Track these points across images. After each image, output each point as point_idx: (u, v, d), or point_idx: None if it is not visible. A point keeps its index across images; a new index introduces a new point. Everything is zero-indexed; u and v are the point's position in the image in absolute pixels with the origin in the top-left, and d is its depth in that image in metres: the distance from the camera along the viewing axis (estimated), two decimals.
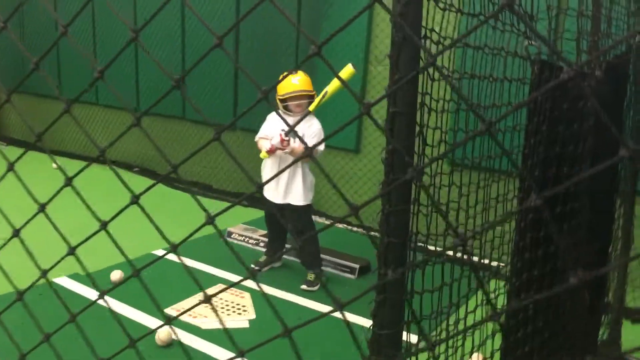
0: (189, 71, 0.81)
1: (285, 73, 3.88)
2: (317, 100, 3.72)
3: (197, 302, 0.88)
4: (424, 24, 1.02)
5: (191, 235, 0.89)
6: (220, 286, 3.88)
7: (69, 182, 0.96)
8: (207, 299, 0.85)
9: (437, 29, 1.13)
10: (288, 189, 3.98)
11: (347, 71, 3.54)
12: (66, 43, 7.45)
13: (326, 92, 3.64)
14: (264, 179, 4.09)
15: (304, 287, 4.00)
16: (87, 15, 7.21)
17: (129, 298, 3.50)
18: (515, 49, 1.52)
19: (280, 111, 3.99)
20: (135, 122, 0.86)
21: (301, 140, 0.70)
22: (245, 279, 0.86)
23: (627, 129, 2.75)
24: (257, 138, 4.03)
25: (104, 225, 0.95)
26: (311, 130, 3.85)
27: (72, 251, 1.01)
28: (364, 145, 5.44)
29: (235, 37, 6.01)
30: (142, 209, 0.94)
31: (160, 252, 4.40)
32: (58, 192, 1.00)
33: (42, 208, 1.03)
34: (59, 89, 7.71)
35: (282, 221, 4.20)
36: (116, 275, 3.82)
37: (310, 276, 4.04)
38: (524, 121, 1.58)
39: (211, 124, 0.75)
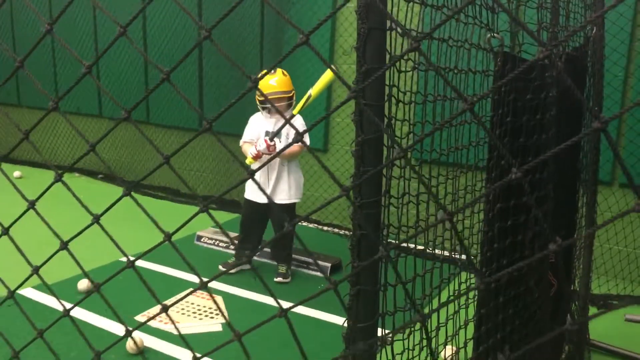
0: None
1: (264, 71, 3.84)
2: (301, 102, 3.68)
3: (170, 310, 0.86)
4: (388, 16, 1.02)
5: (151, 250, 0.88)
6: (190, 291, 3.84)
7: (31, 205, 0.94)
8: (165, 310, 0.83)
9: (402, 21, 1.14)
10: (275, 188, 3.95)
11: (328, 76, 3.54)
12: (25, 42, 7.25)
13: (310, 95, 3.61)
14: (250, 181, 4.05)
15: (278, 279, 4.05)
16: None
17: (98, 307, 3.42)
18: (478, 41, 1.54)
19: (260, 113, 3.97)
20: (89, 148, 0.83)
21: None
22: (212, 279, 0.85)
23: (586, 119, 2.83)
24: (241, 142, 3.99)
25: (64, 245, 0.94)
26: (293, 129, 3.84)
27: (35, 271, 0.99)
28: (332, 144, 5.46)
29: (199, 33, 5.94)
30: (102, 227, 0.93)
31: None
32: (20, 216, 0.98)
33: (5, 231, 1.00)
34: (20, 95, 7.52)
35: (265, 218, 4.16)
36: (83, 284, 3.73)
37: (282, 268, 4.11)
38: (488, 113, 1.60)
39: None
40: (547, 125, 1.78)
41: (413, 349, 1.46)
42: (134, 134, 6.71)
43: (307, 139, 3.96)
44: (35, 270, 0.92)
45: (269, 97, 3.80)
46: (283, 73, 3.87)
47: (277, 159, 3.89)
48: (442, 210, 0.53)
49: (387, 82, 1.01)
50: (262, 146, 3.76)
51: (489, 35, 1.49)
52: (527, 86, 1.62)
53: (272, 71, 3.89)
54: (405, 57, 1.18)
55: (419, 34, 1.35)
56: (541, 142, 1.76)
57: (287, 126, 3.83)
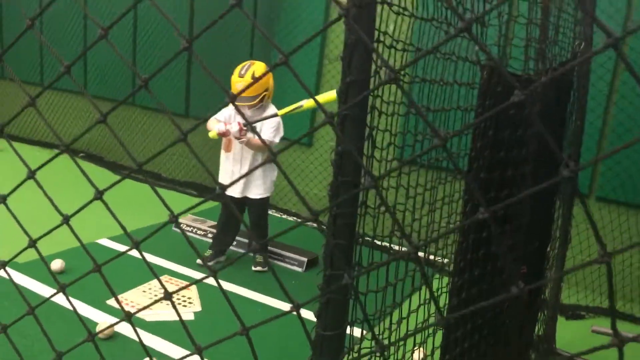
0: (167, 64, 0.78)
1: (240, 66, 3.80)
2: (289, 107, 3.57)
3: (143, 295, 0.86)
4: (377, 26, 1.02)
5: (154, 233, 0.86)
6: (167, 277, 3.82)
7: (32, 174, 0.91)
8: (169, 296, 0.83)
9: (390, 31, 1.14)
10: (247, 183, 3.94)
11: (329, 96, 3.45)
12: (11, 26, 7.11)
13: (301, 106, 3.52)
14: (222, 173, 4.02)
15: (257, 268, 4.09)
16: None
17: (72, 290, 3.39)
18: (465, 53, 1.55)
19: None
20: (101, 118, 0.81)
21: (257, 135, 0.69)
22: (205, 277, 0.84)
23: (569, 133, 2.86)
24: (212, 118, 3.92)
25: (66, 220, 0.92)
26: (269, 122, 3.81)
27: (32, 244, 0.97)
28: (317, 139, 5.46)
29: (190, 20, 5.87)
30: (106, 204, 0.91)
31: (104, 242, 4.28)
32: (21, 184, 0.95)
33: (2, 200, 0.97)
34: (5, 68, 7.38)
35: (237, 215, 4.16)
36: (57, 264, 3.69)
37: (259, 258, 4.15)
38: (471, 124, 1.61)
39: (177, 126, 0.72)
40: (529, 139, 1.80)
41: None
42: (117, 115, 6.63)
43: (278, 137, 3.93)
44: (32, 243, 0.90)
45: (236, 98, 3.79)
46: (253, 75, 3.76)
47: (247, 153, 3.87)
48: (408, 242, 0.53)
49: (371, 94, 1.02)
50: (234, 128, 3.69)
51: (476, 47, 1.50)
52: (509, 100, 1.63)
53: (243, 72, 3.82)
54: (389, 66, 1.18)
55: (407, 46, 1.36)
56: (521, 157, 1.78)
57: (263, 120, 3.78)
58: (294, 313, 0.69)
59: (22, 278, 3.57)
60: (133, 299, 3.42)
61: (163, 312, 3.33)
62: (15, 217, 0.86)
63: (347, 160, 0.95)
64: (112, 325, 0.88)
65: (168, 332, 3.12)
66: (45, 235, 0.85)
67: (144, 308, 0.82)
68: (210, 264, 4.19)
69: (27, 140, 6.99)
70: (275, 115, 3.63)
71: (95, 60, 6.64)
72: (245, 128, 3.69)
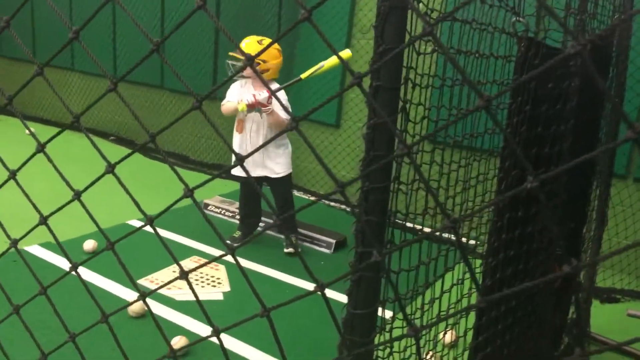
0: (170, 34, 0.76)
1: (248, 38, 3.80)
2: (311, 70, 3.56)
3: (173, 276, 0.84)
4: None
5: (169, 208, 0.85)
6: (196, 258, 3.85)
7: (41, 148, 0.91)
8: (184, 275, 0.81)
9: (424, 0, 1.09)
10: (265, 162, 3.93)
11: (345, 54, 3.47)
12: (42, 6, 7.19)
13: (322, 65, 3.52)
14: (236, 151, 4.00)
15: (289, 249, 4.06)
16: None
17: (103, 268, 3.45)
18: (502, 24, 1.48)
19: (238, 82, 3.92)
20: (111, 87, 0.80)
21: (285, 109, 0.66)
22: (223, 255, 0.82)
23: (608, 110, 2.76)
24: (224, 102, 3.90)
25: (77, 195, 0.90)
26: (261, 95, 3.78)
27: (43, 221, 0.96)
28: (345, 120, 5.40)
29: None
30: (118, 178, 0.89)
31: (135, 222, 4.33)
32: (30, 158, 0.95)
33: (12, 175, 0.97)
34: (33, 53, 7.48)
35: (262, 194, 4.15)
36: (89, 244, 3.75)
37: (290, 239, 4.17)
38: (506, 100, 1.55)
39: (191, 91, 0.70)
40: (567, 115, 1.73)
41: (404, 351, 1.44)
42: (146, 99, 6.68)
43: (287, 116, 3.90)
44: (44, 220, 0.89)
45: (232, 61, 3.80)
46: (258, 42, 3.80)
47: (267, 131, 3.85)
48: (445, 217, 0.50)
49: (404, 64, 0.97)
50: (262, 95, 3.65)
51: (514, 19, 1.43)
52: (549, 75, 1.57)
53: (252, 36, 3.85)
54: (425, 39, 1.14)
55: (441, 14, 1.30)
56: (559, 133, 1.72)
57: (273, 98, 3.74)
58: (319, 293, 0.66)
59: (56, 258, 3.64)
60: (163, 278, 3.46)
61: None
62: (25, 194, 0.85)
63: (380, 133, 0.91)
64: (130, 304, 0.87)
65: (198, 311, 3.15)
66: (56, 211, 0.84)
67: (161, 287, 0.81)
68: (237, 245, 4.22)
69: (59, 124, 7.10)
70: (299, 80, 3.58)
71: (124, 46, 6.68)
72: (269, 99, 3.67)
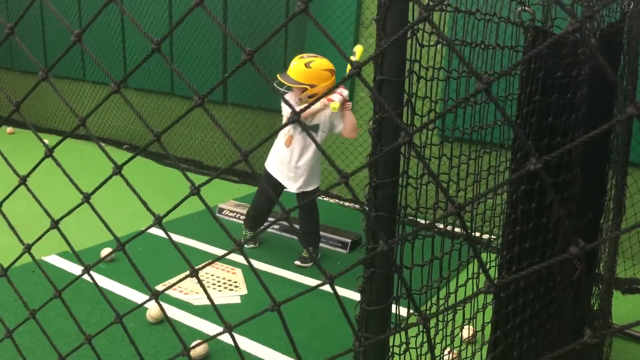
0: (172, 30, 0.76)
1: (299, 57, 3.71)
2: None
3: (185, 277, 0.84)
4: None
5: (176, 206, 0.85)
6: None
7: (49, 153, 0.91)
8: (194, 272, 0.82)
9: None
10: (306, 180, 3.87)
11: (358, 48, 3.45)
12: (52, 19, 7.28)
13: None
14: (273, 161, 3.94)
15: (297, 262, 3.98)
16: None
17: (121, 276, 3.48)
18: (507, 15, 1.47)
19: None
20: (115, 88, 0.80)
21: (290, 106, 0.66)
22: (232, 251, 0.82)
23: (620, 99, 2.72)
24: (288, 114, 3.84)
25: (86, 198, 0.91)
26: (329, 110, 3.71)
27: (55, 225, 0.97)
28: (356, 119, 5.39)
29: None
30: (125, 179, 0.90)
31: (151, 230, 4.36)
32: (39, 163, 0.95)
33: (22, 181, 0.98)
34: (45, 65, 7.58)
35: (278, 202, 4.13)
36: (106, 252, 3.79)
37: (305, 253, 4.01)
38: (516, 91, 1.54)
39: (192, 88, 0.70)
40: (578, 104, 1.71)
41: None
42: (157, 106, 6.73)
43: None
44: (55, 224, 0.90)
45: (281, 81, 3.68)
46: (305, 65, 3.65)
47: (307, 143, 3.82)
48: (450, 202, 0.49)
49: (408, 57, 0.97)
50: (345, 92, 3.62)
51: (519, 8, 1.42)
52: (558, 63, 1.55)
53: (302, 55, 3.75)
54: (429, 31, 1.13)
55: (445, 7, 1.29)
56: (570, 123, 1.69)
57: (324, 119, 3.70)
58: (333, 292, 0.66)
59: (74, 267, 3.68)
60: (180, 283, 3.48)
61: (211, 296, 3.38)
62: (36, 199, 0.86)
63: (386, 128, 0.91)
64: (141, 305, 0.87)
65: (215, 316, 3.16)
66: (67, 214, 0.84)
67: (172, 286, 0.81)
68: (252, 245, 4.21)
69: (73, 135, 7.18)
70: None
71: (134, 55, 6.74)
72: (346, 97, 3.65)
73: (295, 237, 4.38)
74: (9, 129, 7.35)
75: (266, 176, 3.96)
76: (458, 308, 1.60)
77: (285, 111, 3.89)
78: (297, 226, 4.11)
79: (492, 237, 2.01)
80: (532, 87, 1.51)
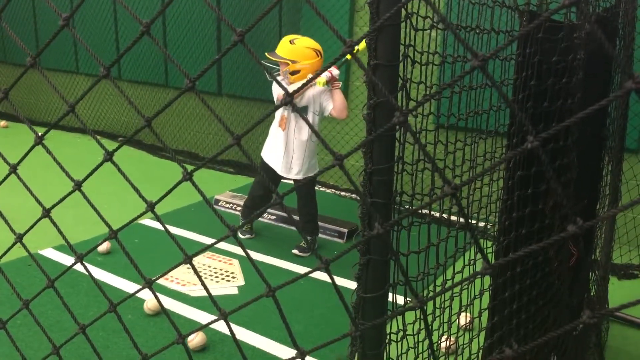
0: (161, 11, 0.74)
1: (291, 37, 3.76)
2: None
3: (179, 264, 0.83)
4: None
5: (169, 192, 0.83)
6: (209, 254, 3.86)
7: (39, 140, 0.90)
8: (188, 260, 0.81)
9: None
10: (304, 165, 3.86)
11: (361, 45, 3.46)
12: (43, 9, 7.21)
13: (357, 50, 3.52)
14: (269, 147, 3.94)
15: (295, 251, 3.98)
16: None
17: (118, 268, 3.47)
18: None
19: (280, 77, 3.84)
20: (104, 72, 0.78)
21: (283, 88, 0.64)
22: (226, 236, 0.81)
23: (615, 84, 2.71)
24: (279, 95, 3.82)
25: (78, 186, 0.90)
26: (316, 89, 3.75)
27: (46, 214, 0.96)
28: (351, 108, 5.37)
29: None
30: (117, 165, 0.88)
31: (148, 222, 4.34)
32: (29, 150, 0.94)
33: (13, 169, 0.96)
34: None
35: (275, 191, 4.12)
36: (103, 245, 3.77)
37: (303, 242, 4.01)
38: (511, 76, 1.53)
39: (183, 71, 0.69)
40: (573, 89, 1.70)
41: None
42: (151, 97, 6.69)
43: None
44: (47, 212, 0.89)
45: (269, 59, 3.75)
46: (290, 41, 3.75)
47: (307, 135, 3.81)
48: (446, 183, 0.48)
49: (402, 42, 0.95)
50: (336, 71, 3.64)
51: None
52: (553, 48, 1.54)
53: (291, 35, 3.81)
54: (423, 15, 1.12)
55: None
56: (566, 108, 1.69)
57: (313, 99, 3.70)
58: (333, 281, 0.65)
59: (70, 260, 3.67)
60: (177, 275, 3.47)
61: (208, 287, 3.38)
62: (27, 188, 0.84)
63: (380, 113, 0.90)
64: (134, 294, 0.87)
65: (213, 307, 3.16)
66: (57, 204, 0.83)
67: (165, 273, 0.80)
68: (248, 236, 4.20)
69: (67, 127, 7.13)
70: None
71: (126, 43, 6.70)
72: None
73: (292, 228, 4.38)
74: (3, 123, 7.30)
75: (262, 165, 3.95)
76: (455, 294, 1.60)
77: (276, 92, 3.88)
78: (295, 217, 4.09)
79: (489, 224, 2.01)
80: (527, 72, 1.50)
